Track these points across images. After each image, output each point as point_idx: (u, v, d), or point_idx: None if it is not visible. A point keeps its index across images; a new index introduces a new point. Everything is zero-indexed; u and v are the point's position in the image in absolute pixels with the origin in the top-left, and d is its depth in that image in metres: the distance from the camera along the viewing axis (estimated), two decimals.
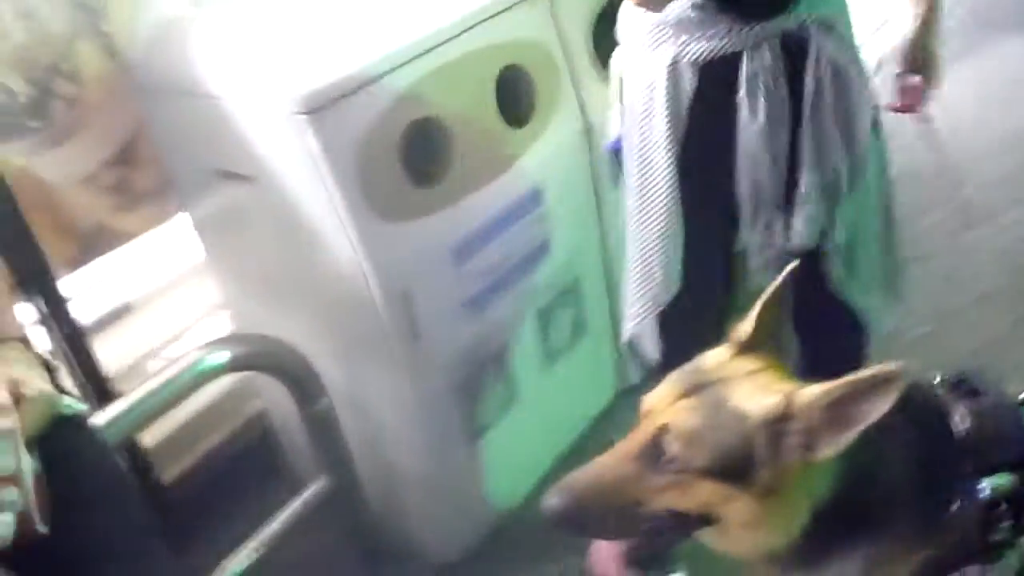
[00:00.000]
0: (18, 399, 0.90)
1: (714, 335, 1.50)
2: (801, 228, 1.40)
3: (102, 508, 1.06)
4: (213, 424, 2.12)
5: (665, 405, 0.93)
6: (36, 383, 0.96)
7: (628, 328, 1.59)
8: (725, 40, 1.30)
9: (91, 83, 1.75)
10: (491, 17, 1.68)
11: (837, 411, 0.85)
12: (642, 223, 1.48)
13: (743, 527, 0.93)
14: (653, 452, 0.92)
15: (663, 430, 0.91)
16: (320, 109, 1.42)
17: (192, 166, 1.74)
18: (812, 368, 0.95)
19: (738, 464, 0.89)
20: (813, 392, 0.87)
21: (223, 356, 1.57)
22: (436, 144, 1.63)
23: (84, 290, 1.91)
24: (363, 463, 1.85)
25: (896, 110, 1.57)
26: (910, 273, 1.66)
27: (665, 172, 1.41)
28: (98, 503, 1.06)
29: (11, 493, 0.85)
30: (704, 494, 0.92)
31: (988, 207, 2.83)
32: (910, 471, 0.95)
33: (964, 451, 0.98)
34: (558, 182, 1.88)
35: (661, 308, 1.50)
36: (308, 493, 1.80)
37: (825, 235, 1.42)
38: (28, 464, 0.89)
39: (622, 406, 2.25)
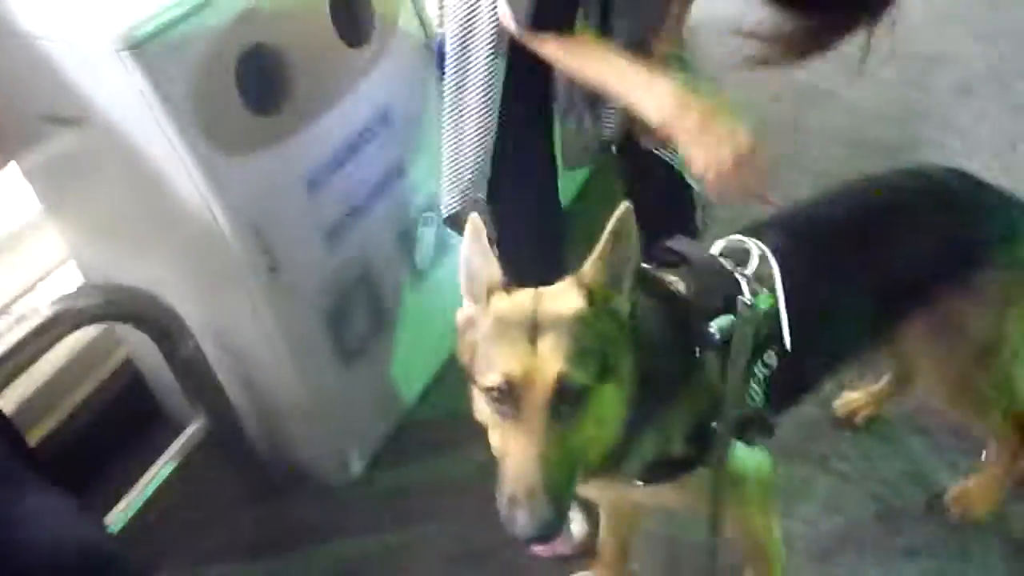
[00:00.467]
0: None
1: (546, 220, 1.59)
2: (611, 119, 1.51)
3: None
4: (77, 379, 2.05)
5: (531, 366, 0.97)
6: None
7: (444, 212, 1.66)
8: None
9: None
10: None
11: (611, 260, 1.00)
12: (458, 123, 1.56)
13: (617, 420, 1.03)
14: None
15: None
16: (144, 43, 1.36)
17: (16, 113, 1.64)
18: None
19: (607, 362, 0.99)
20: (588, 262, 1.02)
21: (79, 308, 1.53)
22: (273, 71, 1.58)
23: None
24: (240, 400, 1.85)
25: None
26: None
27: (485, 67, 1.47)
28: None
29: None
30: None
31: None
32: (666, 337, 1.11)
33: (691, 309, 1.15)
34: (405, 100, 1.87)
35: (472, 199, 1.59)
36: (187, 435, 1.79)
37: None
38: None
39: None
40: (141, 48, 1.36)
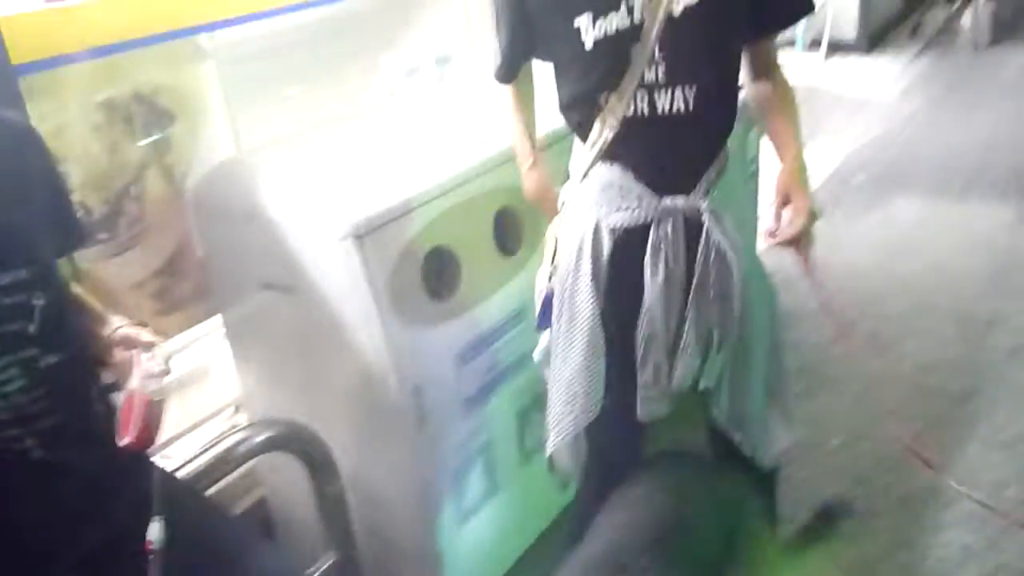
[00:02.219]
0: None
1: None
2: (679, 373, 1.69)
3: None
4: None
5: None
6: None
7: (550, 445, 1.81)
8: (637, 211, 1.59)
9: (152, 204, 2.08)
10: (492, 168, 2.09)
11: None
12: (567, 359, 1.72)
13: None
14: None
15: None
16: (366, 234, 1.78)
17: (235, 278, 2.05)
18: None
19: None
20: None
21: (260, 437, 1.85)
22: (447, 268, 1.99)
23: None
24: (363, 540, 2.11)
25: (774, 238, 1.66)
26: (822, 397, 2.00)
27: (589, 315, 1.66)
28: None
29: None
30: None
31: (888, 338, 3.31)
32: None
33: None
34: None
35: (580, 428, 1.74)
36: (317, 568, 2.04)
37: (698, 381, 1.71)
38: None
39: None
40: (363, 238, 1.78)
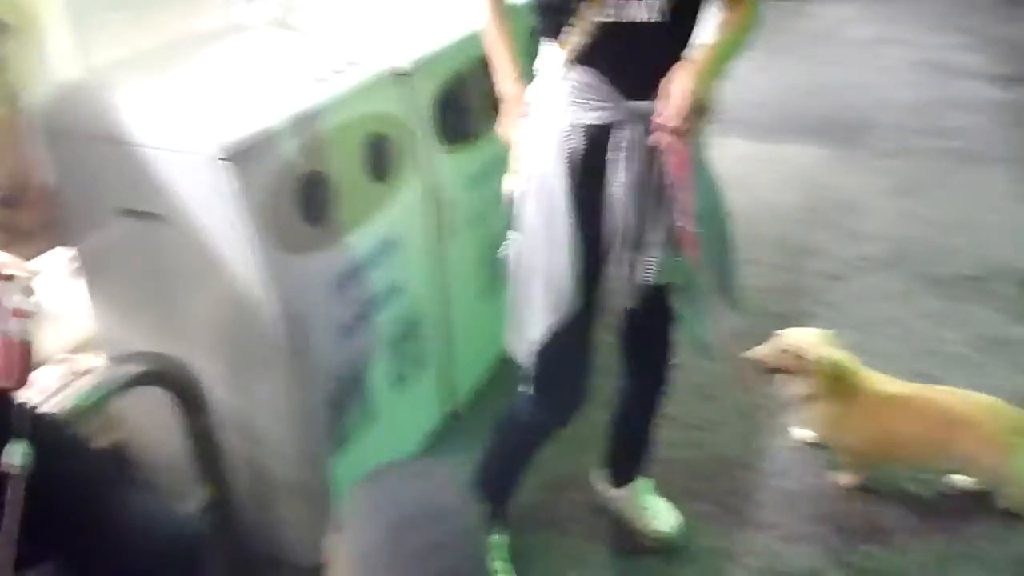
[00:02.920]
0: None
1: (583, 345, 1.91)
2: (643, 268, 1.77)
3: None
4: None
5: None
6: None
7: (532, 343, 1.84)
8: (608, 112, 1.66)
9: None
10: (361, 94, 2.06)
11: None
12: (551, 256, 1.76)
13: None
14: None
15: None
16: (241, 155, 1.72)
17: (93, 205, 1.93)
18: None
19: None
20: None
21: (125, 371, 1.77)
22: (321, 193, 1.95)
23: None
24: (241, 476, 2.07)
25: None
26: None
27: (568, 211, 1.73)
28: None
29: None
30: None
31: None
32: None
33: None
34: (409, 232, 2.26)
35: (563, 319, 1.78)
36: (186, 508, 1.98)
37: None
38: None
39: (450, 430, 2.63)
40: (238, 160, 1.72)
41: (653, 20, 1.60)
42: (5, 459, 1.26)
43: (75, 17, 2.02)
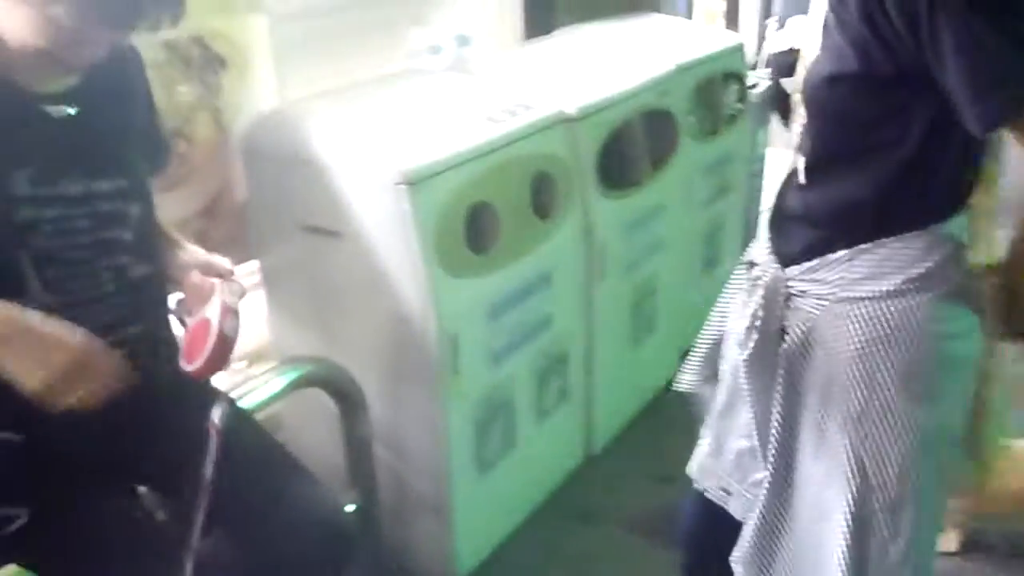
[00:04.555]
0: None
1: None
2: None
3: None
4: None
5: None
6: None
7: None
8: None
9: (200, 146, 2.13)
10: (531, 135, 2.17)
11: None
12: None
13: None
14: None
15: None
16: (418, 181, 1.85)
17: (279, 221, 2.11)
18: None
19: None
20: None
21: (294, 372, 1.91)
22: (488, 222, 2.06)
23: None
24: (382, 488, 2.17)
25: None
26: None
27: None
28: None
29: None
30: None
31: None
32: None
33: None
34: (563, 270, 2.34)
35: None
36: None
37: None
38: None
39: (587, 469, 2.66)
40: (415, 185, 1.85)
41: None
42: (212, 417, 1.39)
43: (278, 56, 2.25)
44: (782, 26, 1.34)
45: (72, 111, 1.28)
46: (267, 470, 1.55)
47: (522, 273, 2.18)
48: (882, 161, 1.26)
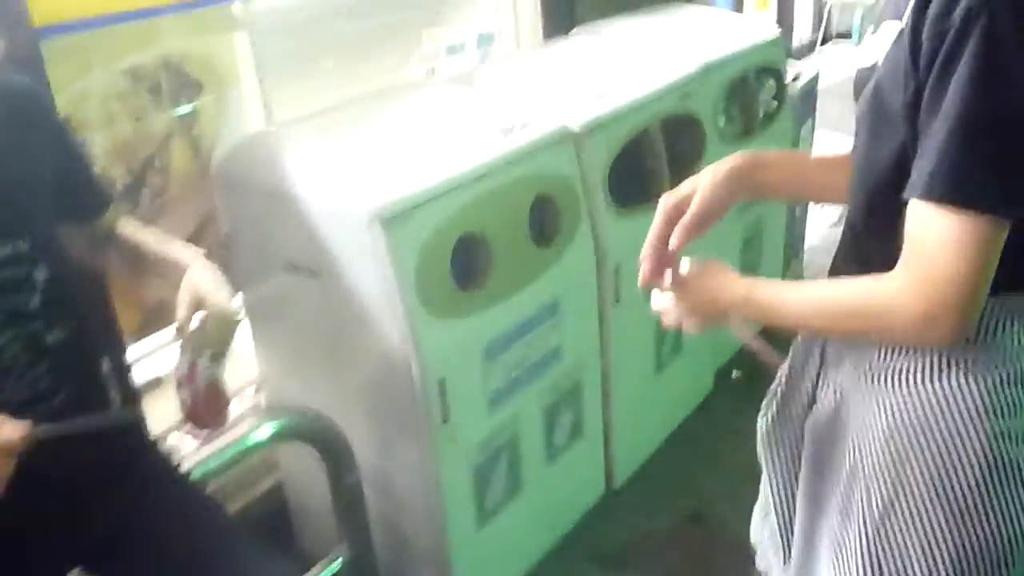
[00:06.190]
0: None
1: None
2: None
3: None
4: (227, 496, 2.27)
5: None
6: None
7: None
8: None
9: (177, 177, 2.00)
10: (529, 154, 1.99)
11: None
12: None
13: None
14: None
15: None
16: (393, 218, 1.69)
17: (260, 256, 1.98)
18: None
19: None
20: None
21: (276, 425, 1.78)
22: (479, 256, 1.89)
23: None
24: (379, 540, 2.03)
25: None
26: None
27: None
28: None
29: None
30: None
31: None
32: None
33: None
34: (571, 298, 2.15)
35: None
36: (328, 563, 1.96)
37: None
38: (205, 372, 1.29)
39: (607, 507, 2.47)
40: (390, 223, 1.69)
41: None
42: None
43: (262, 76, 2.10)
44: (876, 30, 1.04)
45: None
46: (215, 550, 1.42)
47: (522, 306, 2.00)
48: None
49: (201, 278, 1.32)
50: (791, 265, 3.40)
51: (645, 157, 2.37)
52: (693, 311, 1.18)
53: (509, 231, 1.96)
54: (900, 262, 0.95)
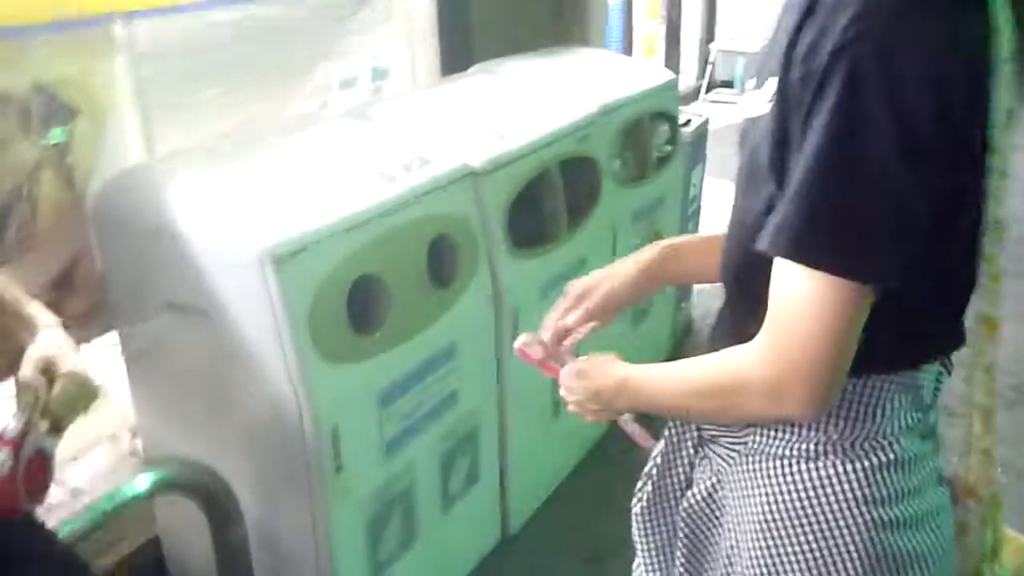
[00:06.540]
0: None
1: None
2: None
3: None
4: (102, 549, 2.10)
5: None
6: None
7: None
8: None
9: (47, 209, 1.86)
10: (429, 192, 1.93)
11: None
12: None
13: None
14: None
15: None
16: (283, 258, 1.60)
17: (138, 295, 1.84)
18: None
19: None
20: None
21: (155, 477, 1.65)
22: (375, 299, 1.82)
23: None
24: None
25: None
26: None
27: None
28: None
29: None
30: None
31: None
32: None
33: None
34: (469, 341, 2.10)
35: None
36: None
37: None
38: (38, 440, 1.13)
39: (503, 553, 2.41)
40: (282, 262, 1.60)
41: None
42: None
43: (143, 105, 1.98)
44: (760, 85, 0.98)
45: None
46: None
47: (419, 350, 1.94)
48: None
49: (57, 340, 1.20)
50: (681, 307, 3.45)
51: (544, 198, 2.35)
52: (580, 405, 1.12)
53: (407, 272, 1.89)
54: (762, 328, 0.89)
